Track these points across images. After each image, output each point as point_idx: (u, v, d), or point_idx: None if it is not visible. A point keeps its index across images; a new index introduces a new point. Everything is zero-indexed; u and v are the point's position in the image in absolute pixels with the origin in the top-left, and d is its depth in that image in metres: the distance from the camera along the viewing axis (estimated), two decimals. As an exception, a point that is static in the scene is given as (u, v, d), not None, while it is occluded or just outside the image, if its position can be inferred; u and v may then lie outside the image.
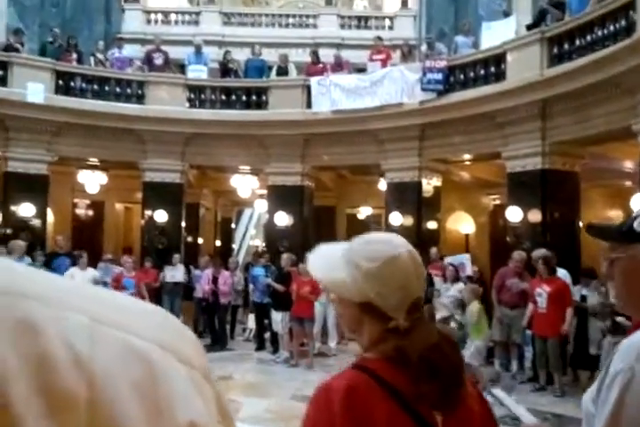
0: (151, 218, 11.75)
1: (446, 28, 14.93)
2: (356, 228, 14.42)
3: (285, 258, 9.00)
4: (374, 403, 1.13)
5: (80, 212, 13.95)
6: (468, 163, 11.67)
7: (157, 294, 10.70)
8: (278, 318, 8.50)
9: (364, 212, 14.62)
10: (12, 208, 10.87)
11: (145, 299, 9.58)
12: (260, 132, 11.97)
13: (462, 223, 14.20)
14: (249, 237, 20.40)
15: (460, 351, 1.27)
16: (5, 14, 15.05)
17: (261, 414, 6.61)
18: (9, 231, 10.70)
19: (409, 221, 10.94)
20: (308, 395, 6.23)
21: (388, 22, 17.15)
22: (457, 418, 1.18)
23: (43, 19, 15.33)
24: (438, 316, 8.43)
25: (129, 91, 12.29)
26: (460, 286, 8.52)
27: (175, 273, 10.84)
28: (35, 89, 11.18)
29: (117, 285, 9.70)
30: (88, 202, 13.96)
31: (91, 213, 14.04)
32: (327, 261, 1.30)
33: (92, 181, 13.02)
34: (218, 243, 15.80)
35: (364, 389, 1.14)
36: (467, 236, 13.74)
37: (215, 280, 9.96)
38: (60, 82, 11.70)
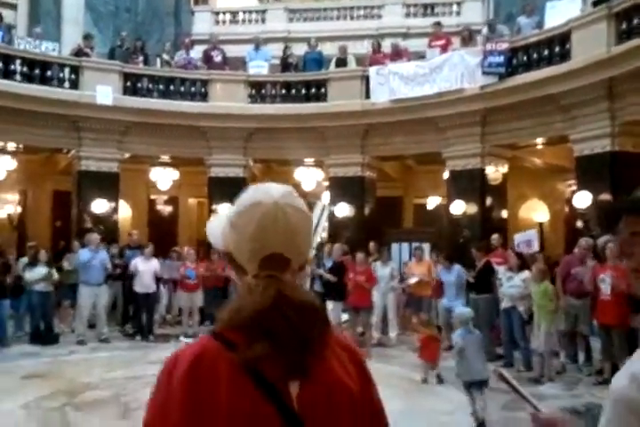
0: (216, 211, 12.03)
1: (514, 11, 14.35)
2: (425, 218, 14.20)
3: (337, 248, 8.96)
4: (219, 372, 1.05)
5: (157, 207, 14.55)
6: (539, 147, 11.17)
7: (226, 286, 10.97)
8: (331, 308, 8.45)
9: (432, 202, 14.31)
10: (87, 204, 11.44)
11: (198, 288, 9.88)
12: (320, 124, 11.99)
13: (536, 211, 13.65)
14: (321, 230, 20.41)
15: (315, 320, 1.10)
16: (82, 21, 15.91)
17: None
18: (87, 226, 11.27)
19: (472, 209, 10.61)
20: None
21: (455, 8, 16.69)
22: (317, 389, 1.08)
23: (116, 24, 16.06)
24: (501, 306, 8.13)
25: (193, 89, 12.64)
26: (526, 274, 8.15)
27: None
28: (103, 91, 11.72)
29: (182, 275, 10.07)
30: (165, 197, 14.54)
31: (167, 208, 14.61)
32: (220, 221, 1.24)
33: (165, 177, 13.52)
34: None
35: (210, 357, 1.06)
36: (540, 224, 13.19)
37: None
38: (128, 83, 12.19)
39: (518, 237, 9.25)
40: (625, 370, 1.05)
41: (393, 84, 11.45)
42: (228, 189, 12.25)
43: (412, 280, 9.50)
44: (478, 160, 10.77)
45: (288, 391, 1.06)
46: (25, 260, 9.65)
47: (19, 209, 13.38)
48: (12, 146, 11.83)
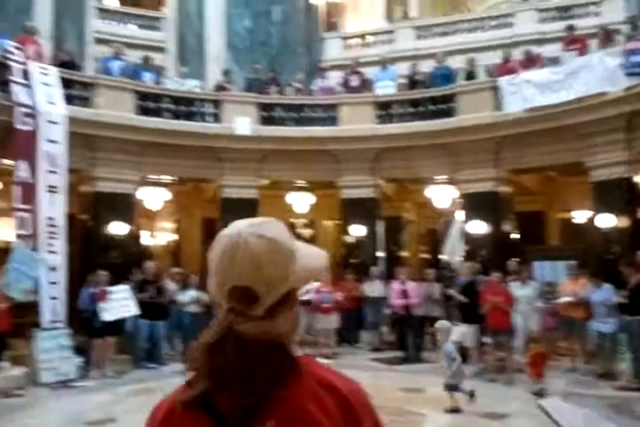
0: (349, 232, 12.21)
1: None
2: (572, 233, 13.28)
3: (467, 267, 8.66)
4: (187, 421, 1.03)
5: (297, 231, 15.10)
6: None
7: (360, 307, 11.07)
8: (466, 331, 8.15)
9: (579, 215, 13.35)
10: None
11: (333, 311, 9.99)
12: (450, 140, 11.76)
13: None
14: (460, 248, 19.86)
15: (264, 358, 1.03)
16: (223, 58, 17.10)
17: (443, 428, 6.41)
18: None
19: (621, 222, 9.74)
20: (501, 413, 5.98)
21: (593, 8, 15.64)
22: None
23: (253, 58, 17.02)
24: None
25: (324, 114, 13.03)
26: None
27: (374, 287, 11.06)
28: (242, 122, 12.47)
29: (318, 297, 10.30)
30: (303, 221, 15.05)
31: (307, 231, 15.10)
32: None
33: (301, 201, 14.01)
34: (425, 255, 15.73)
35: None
36: None
37: (405, 292, 9.95)
38: (264, 113, 12.87)
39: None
40: None
41: (527, 93, 10.95)
42: (360, 209, 12.45)
43: (565, 299, 8.89)
44: (625, 168, 9.91)
45: None
46: (172, 284, 10.43)
47: (174, 236, 14.59)
48: (166, 178, 12.94)
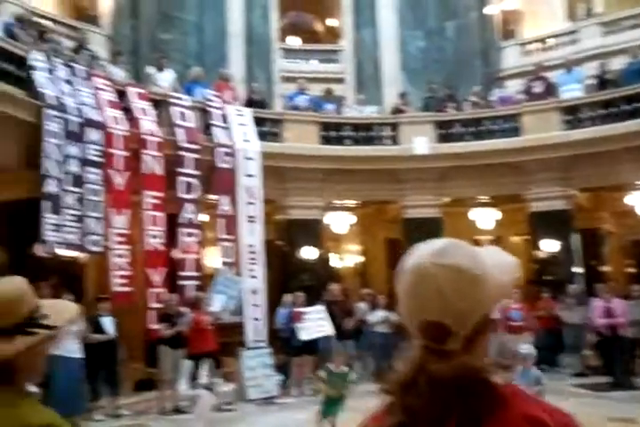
0: (539, 248, 11.57)
1: None
2: None
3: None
4: None
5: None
6: None
7: (559, 328, 10.38)
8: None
9: None
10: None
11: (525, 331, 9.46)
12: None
13: None
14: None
15: (458, 400, 0.97)
16: (399, 81, 17.39)
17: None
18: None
19: None
20: None
21: None
22: None
23: (428, 77, 17.03)
24: None
25: (505, 126, 12.61)
26: None
27: (572, 313, 10.17)
28: (420, 142, 12.56)
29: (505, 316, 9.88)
30: (489, 237, 14.59)
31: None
32: None
33: (486, 217, 13.62)
34: (630, 269, 14.27)
35: None
36: None
37: (610, 311, 9.11)
38: (441, 131, 12.82)
39: None
40: None
41: None
42: (551, 222, 11.75)
43: None
44: None
45: None
46: (362, 305, 10.73)
47: (361, 258, 15.06)
48: (350, 202, 13.46)
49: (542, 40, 17.82)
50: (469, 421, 0.97)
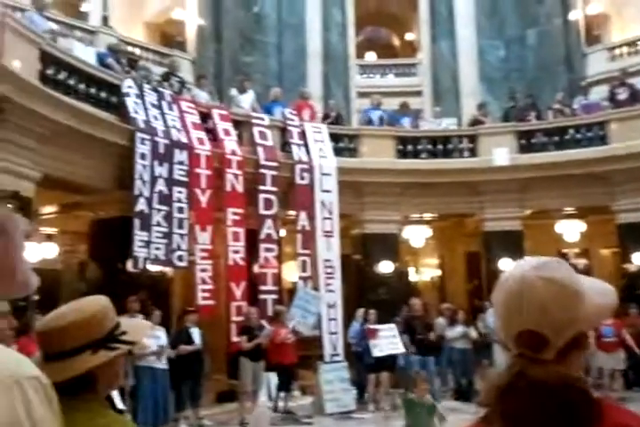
0: (630, 261, 11.02)
1: None
2: None
3: None
4: None
5: (571, 261, 14.12)
6: None
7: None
8: None
9: None
10: (494, 263, 11.94)
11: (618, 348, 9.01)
12: None
13: None
14: None
15: (558, 405, 0.99)
16: (478, 92, 17.16)
17: None
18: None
19: None
20: None
21: None
22: None
23: (509, 86, 16.71)
24: None
25: (589, 134, 12.16)
26: None
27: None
28: (500, 153, 12.33)
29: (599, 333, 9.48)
30: (576, 250, 14.06)
31: (581, 261, 14.05)
32: None
33: (572, 229, 13.14)
34: None
35: None
36: None
37: None
38: (522, 141, 12.53)
39: None
40: None
41: None
42: (642, 235, 11.19)
43: None
44: None
45: None
46: (442, 320, 10.61)
47: (438, 272, 14.89)
48: (427, 216, 13.39)
49: (632, 44, 17.05)
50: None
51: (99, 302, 1.55)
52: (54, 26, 10.45)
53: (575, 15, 17.45)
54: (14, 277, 0.75)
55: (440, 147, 12.85)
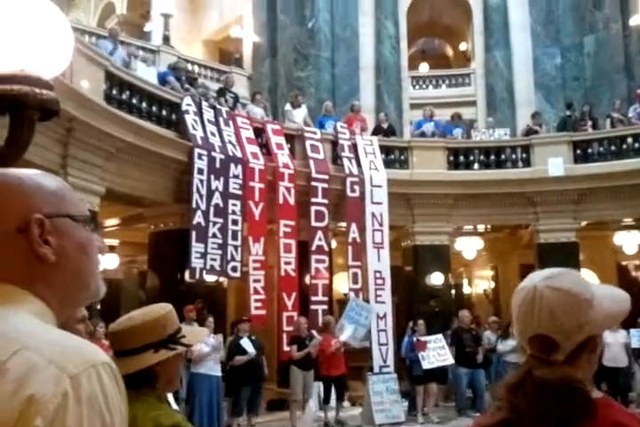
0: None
1: None
2: None
3: None
4: None
5: (631, 274, 13.75)
6: None
7: None
8: None
9: None
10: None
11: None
12: None
13: None
14: None
15: (557, 402, 1.11)
16: (533, 101, 16.92)
17: None
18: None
19: None
20: None
21: None
22: None
23: (566, 95, 16.43)
24: None
25: (649, 144, 11.86)
26: None
27: None
28: (555, 163, 12.16)
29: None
30: (636, 263, 13.66)
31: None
32: None
33: (631, 241, 12.79)
34: None
35: None
36: None
37: None
38: (578, 151, 12.33)
39: None
40: None
41: None
42: None
43: None
44: None
45: None
46: (489, 333, 10.51)
47: (492, 284, 14.72)
48: (480, 227, 13.32)
49: (696, 48, 16.47)
50: (564, 423, 1.12)
51: (163, 309, 1.82)
52: (124, 52, 11.03)
53: (635, 20, 16.99)
54: (90, 287, 0.93)
55: (493, 157, 12.79)
